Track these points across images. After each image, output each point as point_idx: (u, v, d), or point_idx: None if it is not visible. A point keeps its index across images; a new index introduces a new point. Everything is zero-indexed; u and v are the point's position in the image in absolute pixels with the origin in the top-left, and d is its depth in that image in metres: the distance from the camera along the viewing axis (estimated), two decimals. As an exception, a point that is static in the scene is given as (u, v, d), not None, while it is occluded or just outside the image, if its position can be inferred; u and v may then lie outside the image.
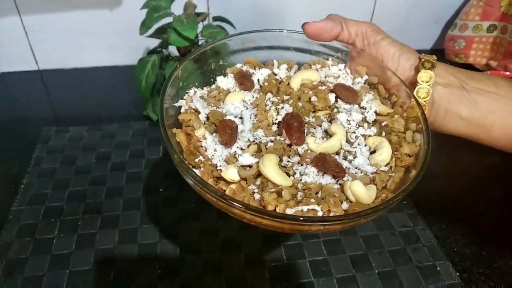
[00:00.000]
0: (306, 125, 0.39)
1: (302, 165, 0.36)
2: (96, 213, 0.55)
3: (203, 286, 0.47)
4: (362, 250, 0.52)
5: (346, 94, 0.41)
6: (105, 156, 0.64)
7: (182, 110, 0.41)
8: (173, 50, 0.68)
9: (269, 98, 0.42)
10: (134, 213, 0.55)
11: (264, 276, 0.48)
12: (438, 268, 0.50)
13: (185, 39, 0.59)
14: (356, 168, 0.37)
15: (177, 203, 0.57)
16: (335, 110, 0.42)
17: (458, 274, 0.50)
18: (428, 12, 0.89)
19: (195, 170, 0.36)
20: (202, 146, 0.37)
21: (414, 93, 0.41)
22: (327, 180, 0.35)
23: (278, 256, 0.50)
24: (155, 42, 0.68)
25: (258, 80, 0.44)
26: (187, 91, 0.43)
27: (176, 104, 0.41)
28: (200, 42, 0.67)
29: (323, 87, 0.43)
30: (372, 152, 0.38)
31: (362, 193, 0.33)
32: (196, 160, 0.36)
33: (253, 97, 0.42)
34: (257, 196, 0.33)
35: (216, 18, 0.69)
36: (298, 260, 0.50)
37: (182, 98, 0.42)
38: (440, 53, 0.91)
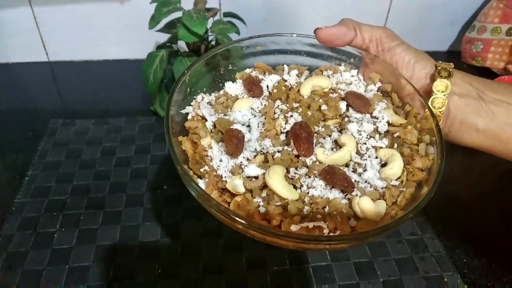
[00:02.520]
0: (315, 135, 0.38)
1: (309, 177, 0.35)
2: (99, 209, 0.55)
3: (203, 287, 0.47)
4: (368, 258, 0.50)
5: (357, 102, 0.40)
6: (111, 151, 0.64)
7: (189, 117, 0.40)
8: (182, 45, 0.67)
9: (278, 105, 0.41)
10: (136, 210, 0.55)
11: (266, 280, 0.48)
12: (445, 280, 0.49)
13: (194, 35, 0.58)
14: (365, 182, 0.35)
15: (181, 201, 0.56)
16: (346, 119, 0.40)
17: (466, 286, 0.48)
18: (445, 14, 0.87)
19: (199, 181, 0.35)
20: (207, 156, 0.36)
21: (429, 103, 0.39)
22: (335, 194, 0.34)
23: (281, 260, 0.50)
24: (165, 36, 0.67)
25: (267, 86, 0.43)
26: (195, 97, 0.42)
27: (183, 111, 0.40)
28: (209, 38, 0.66)
29: (334, 95, 0.42)
30: (383, 165, 0.37)
31: (371, 210, 0.32)
32: (202, 169, 0.36)
33: (262, 105, 0.41)
34: (262, 210, 0.32)
35: (226, 14, 0.68)
36: (301, 265, 0.49)
37: (190, 105, 0.41)
38: (456, 55, 0.89)
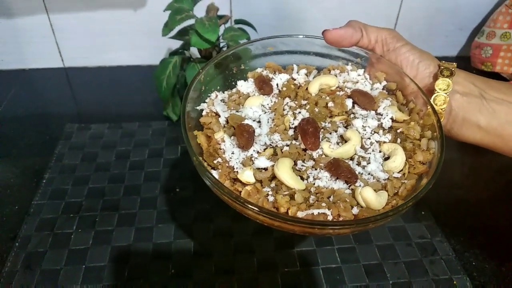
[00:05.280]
0: (322, 130, 0.40)
1: (316, 169, 0.37)
2: (114, 210, 0.56)
3: (216, 288, 0.48)
4: (377, 260, 0.51)
5: (363, 100, 0.42)
6: (125, 155, 0.65)
7: (204, 113, 0.42)
8: (194, 51, 0.69)
9: (287, 103, 0.42)
10: (150, 212, 0.56)
11: (277, 281, 0.48)
12: (455, 282, 0.49)
13: (206, 42, 0.60)
14: (369, 174, 0.37)
15: (193, 204, 0.57)
16: (352, 115, 0.42)
17: (475, 289, 0.48)
18: (454, 19, 0.87)
19: (213, 171, 0.37)
20: (221, 149, 0.38)
21: (431, 100, 0.41)
22: (339, 185, 0.35)
23: (291, 262, 0.50)
24: (178, 43, 0.69)
25: (277, 84, 0.45)
26: (209, 94, 0.44)
27: (198, 107, 0.42)
28: (221, 45, 0.67)
29: (341, 93, 0.43)
30: (386, 158, 0.38)
31: (372, 199, 0.33)
32: (215, 161, 0.38)
33: (272, 102, 0.43)
34: (271, 198, 0.34)
35: (238, 21, 0.69)
36: (312, 267, 0.50)
37: (204, 102, 0.43)
38: (466, 60, 0.89)
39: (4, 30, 0.81)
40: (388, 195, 0.35)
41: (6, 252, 0.51)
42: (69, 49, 0.85)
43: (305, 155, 0.38)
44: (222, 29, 0.65)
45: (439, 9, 0.85)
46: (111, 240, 0.52)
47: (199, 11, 0.63)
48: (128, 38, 0.84)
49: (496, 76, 0.84)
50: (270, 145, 0.39)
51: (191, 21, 0.62)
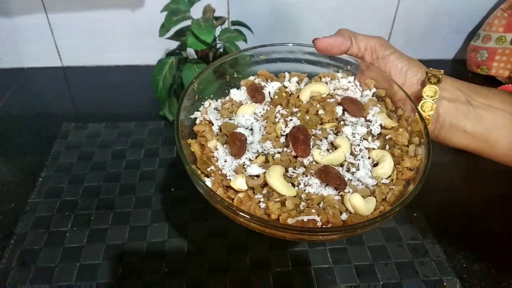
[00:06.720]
0: (313, 137, 0.41)
1: (306, 176, 0.37)
2: (109, 209, 0.57)
3: (208, 286, 0.48)
4: (368, 261, 0.51)
5: (352, 107, 0.42)
6: (121, 154, 0.66)
7: (197, 121, 0.43)
8: (191, 52, 0.69)
9: (279, 110, 0.43)
10: (145, 211, 0.57)
11: (269, 280, 0.49)
12: (445, 284, 0.49)
13: (202, 43, 0.60)
14: (357, 180, 0.38)
15: (187, 203, 0.58)
16: (342, 122, 0.43)
17: (465, 291, 0.49)
18: (450, 22, 0.88)
19: (206, 179, 0.38)
20: (214, 157, 0.39)
21: (419, 107, 0.41)
22: (329, 191, 0.36)
23: (284, 261, 0.51)
24: (175, 44, 0.70)
25: (269, 92, 0.46)
26: (203, 103, 0.45)
27: (191, 116, 0.43)
28: (217, 46, 0.68)
29: (332, 100, 0.44)
30: (375, 164, 0.39)
31: (361, 205, 0.34)
32: (208, 169, 0.38)
33: (264, 110, 0.44)
34: (262, 205, 0.35)
35: (234, 23, 0.70)
36: (303, 267, 0.50)
37: (198, 110, 0.44)
38: (462, 63, 0.89)
39: (3, 29, 0.81)
40: (376, 201, 0.36)
41: (1, 250, 0.51)
42: (67, 49, 0.85)
43: (296, 162, 0.38)
44: (218, 30, 0.65)
45: (436, 12, 0.86)
46: (106, 238, 0.53)
47: (196, 12, 0.64)
48: (126, 38, 0.84)
49: (491, 79, 0.85)
50: (262, 152, 0.39)
51: (187, 22, 0.63)
